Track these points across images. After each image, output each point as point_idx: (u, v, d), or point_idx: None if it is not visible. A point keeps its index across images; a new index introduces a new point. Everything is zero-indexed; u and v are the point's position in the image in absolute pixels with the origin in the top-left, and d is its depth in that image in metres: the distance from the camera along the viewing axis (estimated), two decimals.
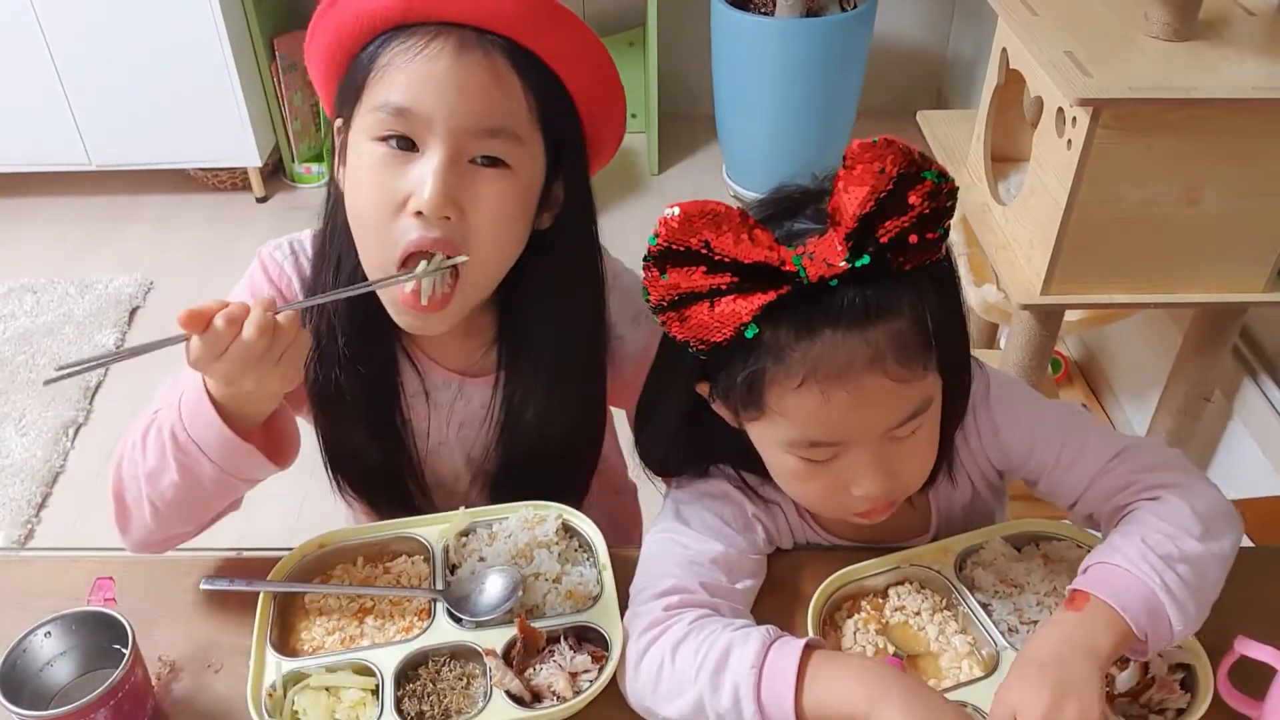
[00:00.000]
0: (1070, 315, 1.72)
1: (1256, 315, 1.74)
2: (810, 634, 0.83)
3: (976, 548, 0.93)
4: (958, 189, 0.72)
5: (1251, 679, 0.81)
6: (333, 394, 0.98)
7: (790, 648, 0.77)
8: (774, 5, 2.77)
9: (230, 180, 3.19)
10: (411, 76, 0.82)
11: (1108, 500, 0.87)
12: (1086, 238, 1.39)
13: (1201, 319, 1.64)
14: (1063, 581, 0.88)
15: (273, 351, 0.75)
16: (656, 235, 0.71)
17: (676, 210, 0.71)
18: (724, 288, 0.72)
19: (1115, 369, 2.27)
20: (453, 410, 1.04)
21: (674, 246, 0.71)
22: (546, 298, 0.97)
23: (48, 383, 0.72)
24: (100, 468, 2.25)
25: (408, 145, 0.84)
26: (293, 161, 3.18)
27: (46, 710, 0.75)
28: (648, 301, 0.74)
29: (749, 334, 0.73)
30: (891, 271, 0.72)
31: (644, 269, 0.73)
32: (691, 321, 0.74)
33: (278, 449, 0.86)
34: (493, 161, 0.85)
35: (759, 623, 0.84)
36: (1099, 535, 0.90)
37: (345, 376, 0.97)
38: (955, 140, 1.82)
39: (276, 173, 3.23)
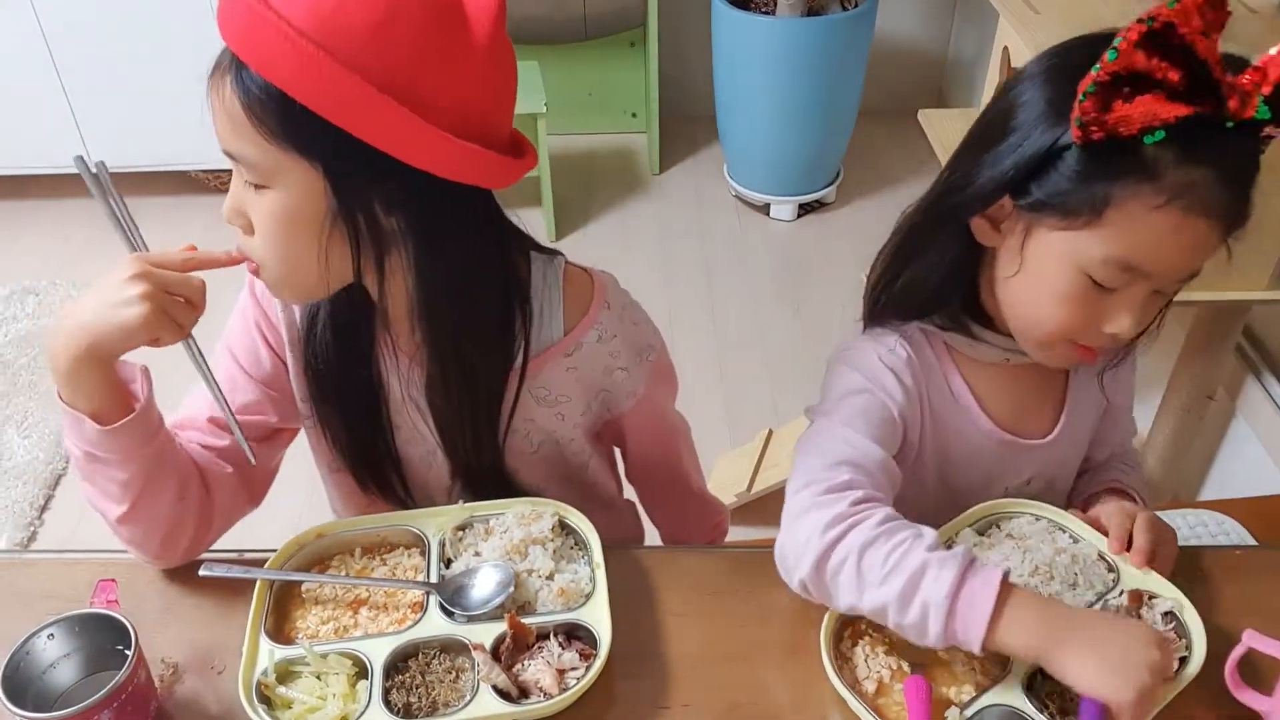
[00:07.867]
0: None
1: (1259, 313, 1.74)
2: (826, 665, 0.83)
3: (948, 543, 0.91)
4: None
5: (1259, 674, 0.82)
6: (322, 378, 0.99)
7: (988, 579, 0.77)
8: (774, 5, 2.77)
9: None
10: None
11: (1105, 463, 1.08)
12: None
13: (1204, 317, 1.64)
14: (1040, 556, 0.88)
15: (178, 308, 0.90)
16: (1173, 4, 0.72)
17: None
18: (1159, 80, 0.73)
19: None
20: (412, 396, 1.01)
21: (1163, 23, 0.71)
22: (445, 280, 0.91)
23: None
24: None
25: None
26: None
27: (50, 712, 0.75)
28: (1096, 73, 0.73)
29: (1151, 139, 0.74)
30: (1264, 137, 0.76)
31: (1121, 33, 0.73)
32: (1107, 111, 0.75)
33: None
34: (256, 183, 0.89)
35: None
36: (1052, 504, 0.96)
37: (330, 361, 0.98)
38: (957, 139, 1.80)
39: None
